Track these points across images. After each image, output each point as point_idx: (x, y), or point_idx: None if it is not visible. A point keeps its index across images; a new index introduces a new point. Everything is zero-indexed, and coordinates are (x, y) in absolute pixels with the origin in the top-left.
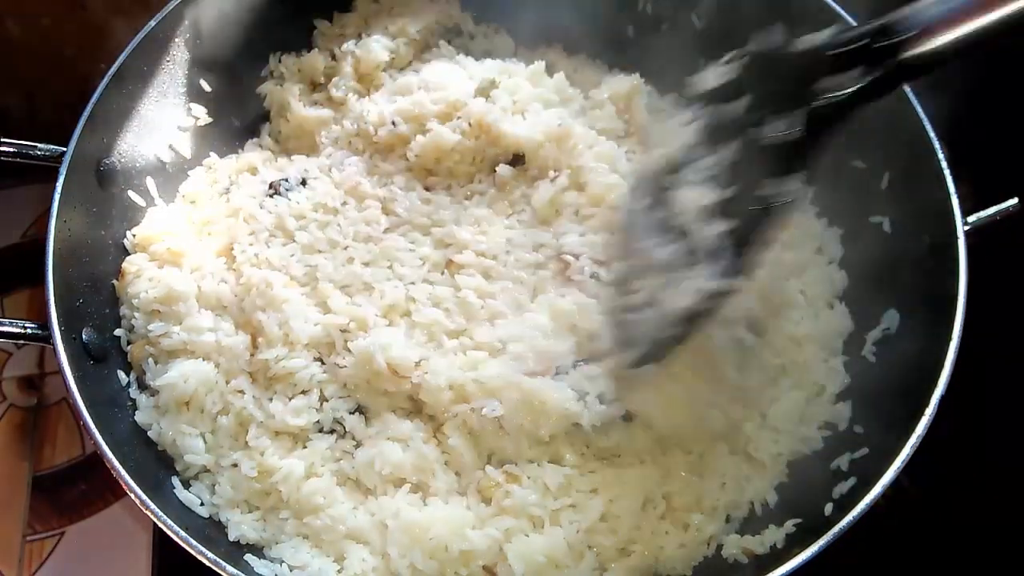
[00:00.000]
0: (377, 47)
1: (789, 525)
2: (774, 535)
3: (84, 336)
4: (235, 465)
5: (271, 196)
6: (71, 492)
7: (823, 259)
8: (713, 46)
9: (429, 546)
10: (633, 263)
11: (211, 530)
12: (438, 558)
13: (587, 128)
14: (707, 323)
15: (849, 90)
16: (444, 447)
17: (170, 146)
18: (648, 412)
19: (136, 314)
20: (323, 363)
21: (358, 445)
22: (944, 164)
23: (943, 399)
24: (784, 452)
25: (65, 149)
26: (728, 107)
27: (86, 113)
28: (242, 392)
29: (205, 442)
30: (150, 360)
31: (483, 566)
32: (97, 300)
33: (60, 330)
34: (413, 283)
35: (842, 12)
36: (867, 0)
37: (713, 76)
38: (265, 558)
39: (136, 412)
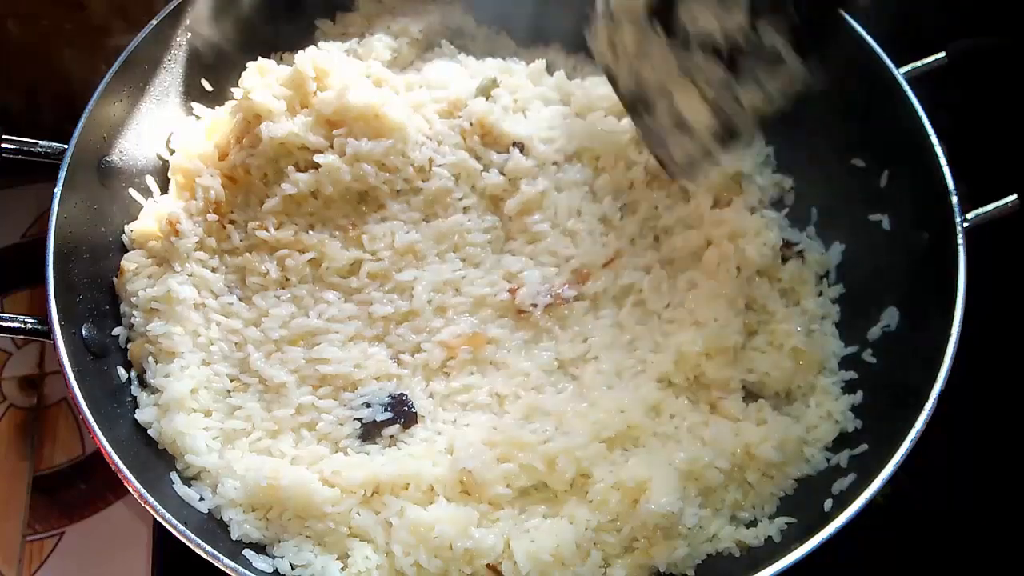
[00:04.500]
0: (379, 46)
1: (787, 520)
2: (768, 528)
3: (84, 332)
4: (236, 466)
5: None
6: (71, 492)
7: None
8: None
9: (434, 544)
10: (655, 82)
11: (210, 526)
12: (442, 556)
13: (590, 123)
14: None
15: None
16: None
17: (171, 145)
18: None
19: (136, 312)
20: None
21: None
22: (943, 161)
23: (942, 395)
24: (790, 471)
25: (66, 146)
26: None
27: (87, 112)
28: (243, 393)
29: (206, 443)
30: (150, 359)
31: (487, 564)
32: (97, 297)
33: (60, 325)
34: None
35: (841, 11)
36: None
37: None
38: (266, 555)
39: (136, 410)
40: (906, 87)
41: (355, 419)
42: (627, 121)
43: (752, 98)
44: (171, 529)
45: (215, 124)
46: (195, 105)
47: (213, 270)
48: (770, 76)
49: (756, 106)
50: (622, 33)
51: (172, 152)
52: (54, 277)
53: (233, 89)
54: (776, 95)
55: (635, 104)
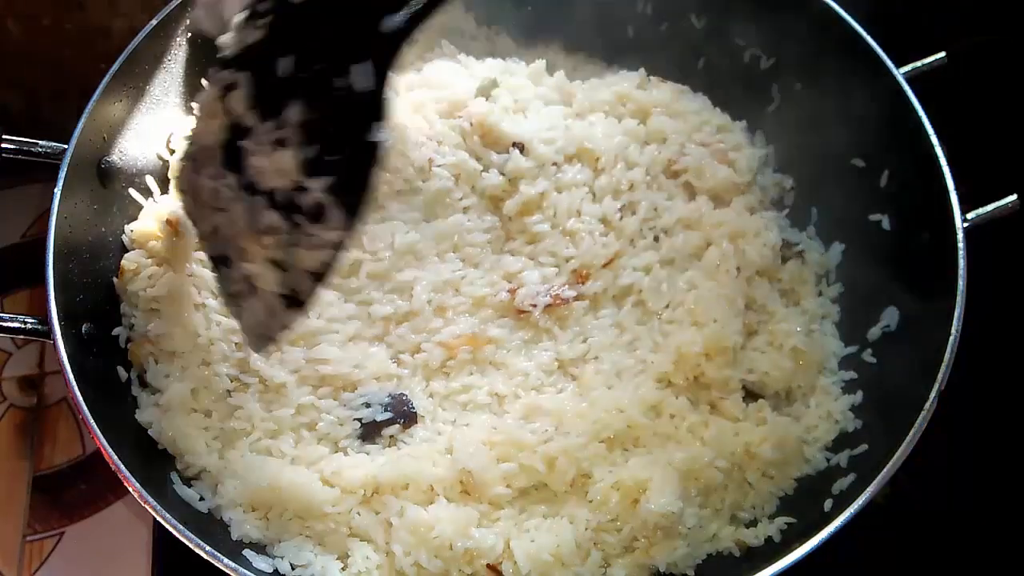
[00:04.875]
0: None
1: (787, 520)
2: (768, 528)
3: (84, 332)
4: (237, 466)
5: None
6: (71, 492)
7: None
8: (713, 46)
9: (434, 544)
10: (228, 231)
11: (210, 526)
12: (443, 556)
13: (590, 124)
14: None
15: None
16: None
17: (171, 144)
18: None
19: (136, 312)
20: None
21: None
22: (943, 161)
23: (942, 395)
24: (790, 471)
25: (66, 146)
26: (276, 66)
27: (87, 111)
28: (243, 394)
29: (206, 443)
30: (151, 359)
31: (487, 564)
32: (97, 297)
33: (60, 325)
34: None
35: (841, 12)
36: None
37: (235, 39)
38: (266, 555)
39: (137, 410)
40: (906, 87)
41: (355, 419)
42: (628, 122)
43: (307, 258)
44: (171, 529)
45: None
46: (195, 105)
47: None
48: (320, 231)
49: (311, 266)
50: (201, 178)
51: (172, 152)
52: (54, 277)
53: None
54: (328, 252)
55: (215, 257)
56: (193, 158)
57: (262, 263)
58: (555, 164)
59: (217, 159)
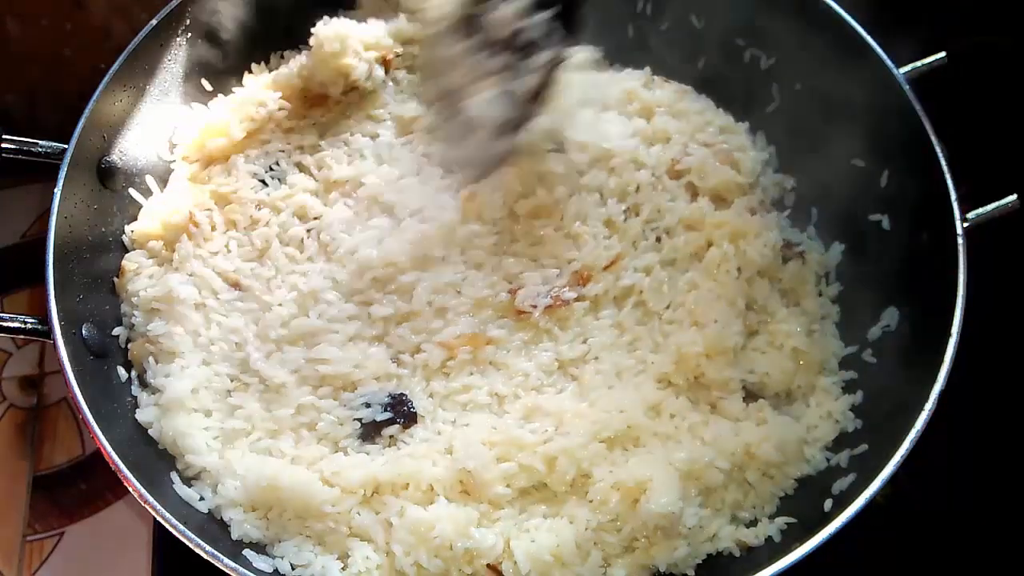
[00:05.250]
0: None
1: (787, 520)
2: (768, 528)
3: (84, 332)
4: (237, 466)
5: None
6: (71, 492)
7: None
8: (713, 45)
9: (434, 544)
10: (457, 86)
11: (211, 526)
12: (443, 556)
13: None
14: (552, 97)
15: None
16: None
17: (171, 145)
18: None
19: (136, 312)
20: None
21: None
22: (943, 161)
23: (942, 395)
24: (790, 471)
25: (66, 146)
26: None
27: (87, 111)
28: (243, 393)
29: (206, 443)
30: (151, 359)
31: (487, 564)
32: (97, 297)
33: (60, 325)
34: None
35: (841, 12)
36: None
37: None
38: (266, 555)
39: (137, 410)
40: (906, 87)
41: (355, 419)
42: (637, 121)
43: (526, 84)
44: (171, 529)
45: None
46: (195, 105)
47: (229, 241)
48: (536, 58)
49: (529, 89)
50: (441, 48)
51: (174, 147)
52: (54, 277)
53: (235, 88)
54: (553, 68)
55: (439, 111)
56: (435, 35)
57: (486, 100)
58: (580, 172)
59: (457, 29)
